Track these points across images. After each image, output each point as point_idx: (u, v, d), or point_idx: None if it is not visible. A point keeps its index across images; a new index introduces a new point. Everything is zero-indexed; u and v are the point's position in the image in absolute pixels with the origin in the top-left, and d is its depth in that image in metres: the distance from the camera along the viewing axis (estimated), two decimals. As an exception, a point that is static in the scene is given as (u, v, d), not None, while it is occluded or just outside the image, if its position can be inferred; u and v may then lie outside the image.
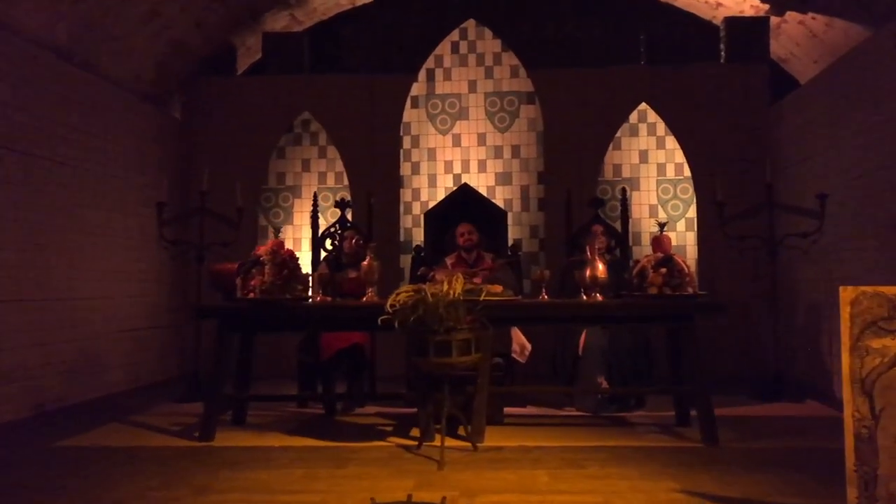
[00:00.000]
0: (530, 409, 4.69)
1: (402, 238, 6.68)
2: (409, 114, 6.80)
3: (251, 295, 3.84)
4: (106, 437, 3.99)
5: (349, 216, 5.47)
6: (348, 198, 5.54)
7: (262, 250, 3.90)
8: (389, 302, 3.48)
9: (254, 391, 4.41)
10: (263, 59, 7.00)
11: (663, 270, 3.76)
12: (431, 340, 3.39)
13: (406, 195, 6.78)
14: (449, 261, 4.84)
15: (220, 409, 3.95)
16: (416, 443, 3.71)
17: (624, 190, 5.45)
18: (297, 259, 3.99)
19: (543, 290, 4.15)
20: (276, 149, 6.84)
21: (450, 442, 3.69)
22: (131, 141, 5.93)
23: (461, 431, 3.81)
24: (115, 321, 5.59)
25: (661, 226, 4.13)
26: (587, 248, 4.13)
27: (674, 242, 5.52)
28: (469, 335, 3.46)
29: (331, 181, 6.83)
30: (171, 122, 6.69)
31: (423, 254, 5.37)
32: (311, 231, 5.41)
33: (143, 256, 6.00)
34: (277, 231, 4.04)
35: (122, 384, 5.64)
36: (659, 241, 3.98)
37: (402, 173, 6.76)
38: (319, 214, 5.31)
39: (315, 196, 5.38)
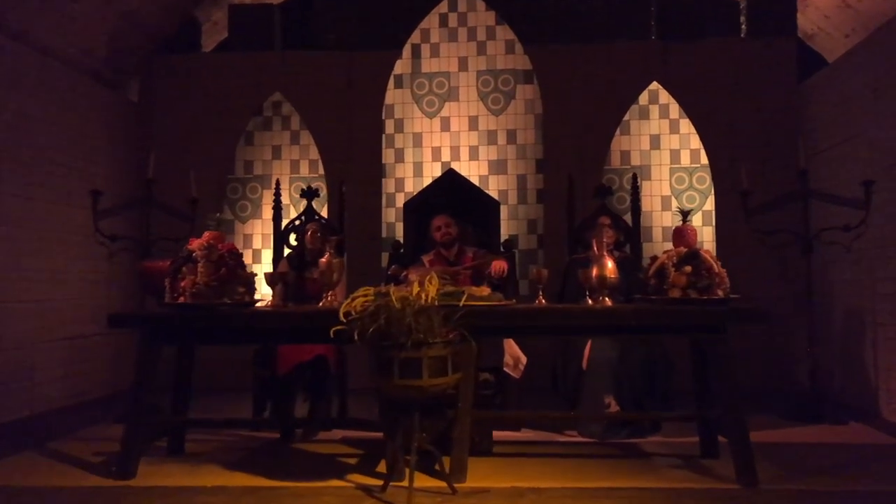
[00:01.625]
0: (525, 434, 3.99)
1: (384, 233, 5.98)
2: (392, 94, 6.13)
3: (181, 299, 3.14)
4: (9, 473, 3.27)
5: (324, 211, 4.81)
6: (321, 187, 4.84)
7: (196, 244, 3.20)
8: (343, 309, 2.78)
9: (210, 406, 3.70)
10: (230, 34, 6.31)
11: (688, 269, 3.04)
12: (396, 357, 2.68)
13: (389, 185, 6.08)
14: (426, 259, 4.15)
15: (140, 439, 3.23)
16: (381, 482, 3.00)
17: (634, 177, 4.73)
18: (240, 256, 3.28)
19: (541, 293, 3.43)
20: (243, 134, 6.15)
21: (424, 481, 3.00)
22: (77, 124, 5.23)
23: (439, 466, 3.09)
24: (52, 328, 4.88)
25: (685, 214, 3.38)
26: (593, 244, 3.39)
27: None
28: (445, 350, 2.75)
29: (304, 170, 6.12)
30: (127, 104, 5.99)
31: (402, 250, 4.66)
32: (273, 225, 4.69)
33: (89, 254, 5.27)
34: (217, 223, 3.31)
35: (60, 400, 4.93)
36: (682, 234, 3.24)
37: (384, 161, 6.07)
38: (291, 206, 4.63)
39: (278, 183, 4.66)
